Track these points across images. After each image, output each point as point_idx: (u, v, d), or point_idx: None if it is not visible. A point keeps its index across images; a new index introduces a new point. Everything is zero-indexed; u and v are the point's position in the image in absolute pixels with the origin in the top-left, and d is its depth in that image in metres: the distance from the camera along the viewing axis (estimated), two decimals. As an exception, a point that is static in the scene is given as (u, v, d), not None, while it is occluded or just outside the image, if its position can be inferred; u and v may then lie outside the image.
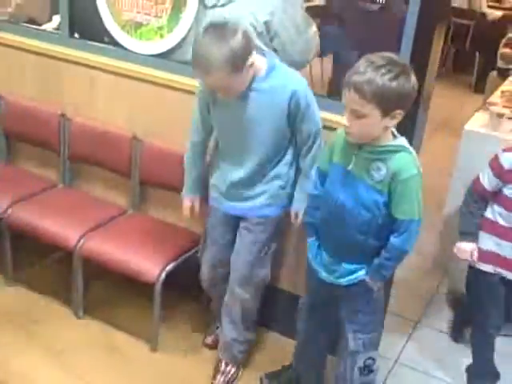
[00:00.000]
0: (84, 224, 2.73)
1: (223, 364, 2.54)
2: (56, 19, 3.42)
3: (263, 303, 2.51)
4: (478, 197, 2.39)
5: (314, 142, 2.22)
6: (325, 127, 2.25)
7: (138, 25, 2.75)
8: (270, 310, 2.72)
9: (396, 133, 1.92)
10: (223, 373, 2.53)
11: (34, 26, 3.19)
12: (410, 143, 1.95)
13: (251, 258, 2.34)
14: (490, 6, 7.72)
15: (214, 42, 1.96)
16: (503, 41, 5.89)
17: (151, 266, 2.52)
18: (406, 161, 1.86)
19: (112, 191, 3.02)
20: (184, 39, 2.67)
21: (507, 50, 5.60)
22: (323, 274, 2.10)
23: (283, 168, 2.27)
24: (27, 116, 3.05)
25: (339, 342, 2.18)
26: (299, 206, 2.29)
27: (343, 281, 2.05)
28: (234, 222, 2.37)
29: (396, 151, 1.86)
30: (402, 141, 1.91)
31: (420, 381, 2.67)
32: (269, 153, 2.23)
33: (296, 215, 2.33)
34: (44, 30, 3.13)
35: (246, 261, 2.34)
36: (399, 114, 1.80)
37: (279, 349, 2.69)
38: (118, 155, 2.86)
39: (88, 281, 2.79)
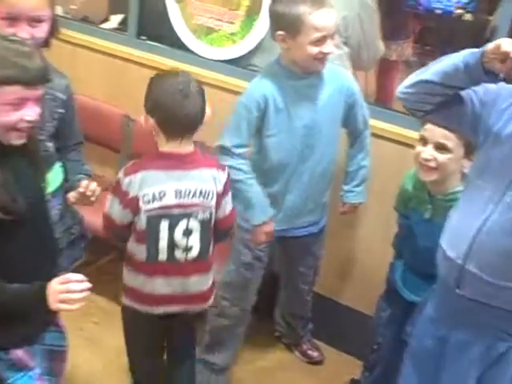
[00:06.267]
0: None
1: None
2: (115, 19, 3.44)
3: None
4: None
5: None
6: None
7: (210, 30, 2.77)
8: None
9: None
10: None
11: (101, 26, 3.22)
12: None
13: None
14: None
15: None
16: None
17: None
18: None
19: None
20: (257, 47, 2.68)
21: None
22: (405, 293, 2.12)
23: None
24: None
25: None
26: None
27: None
28: None
29: None
30: None
31: None
32: None
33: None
34: (111, 30, 3.15)
35: None
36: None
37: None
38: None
39: None
